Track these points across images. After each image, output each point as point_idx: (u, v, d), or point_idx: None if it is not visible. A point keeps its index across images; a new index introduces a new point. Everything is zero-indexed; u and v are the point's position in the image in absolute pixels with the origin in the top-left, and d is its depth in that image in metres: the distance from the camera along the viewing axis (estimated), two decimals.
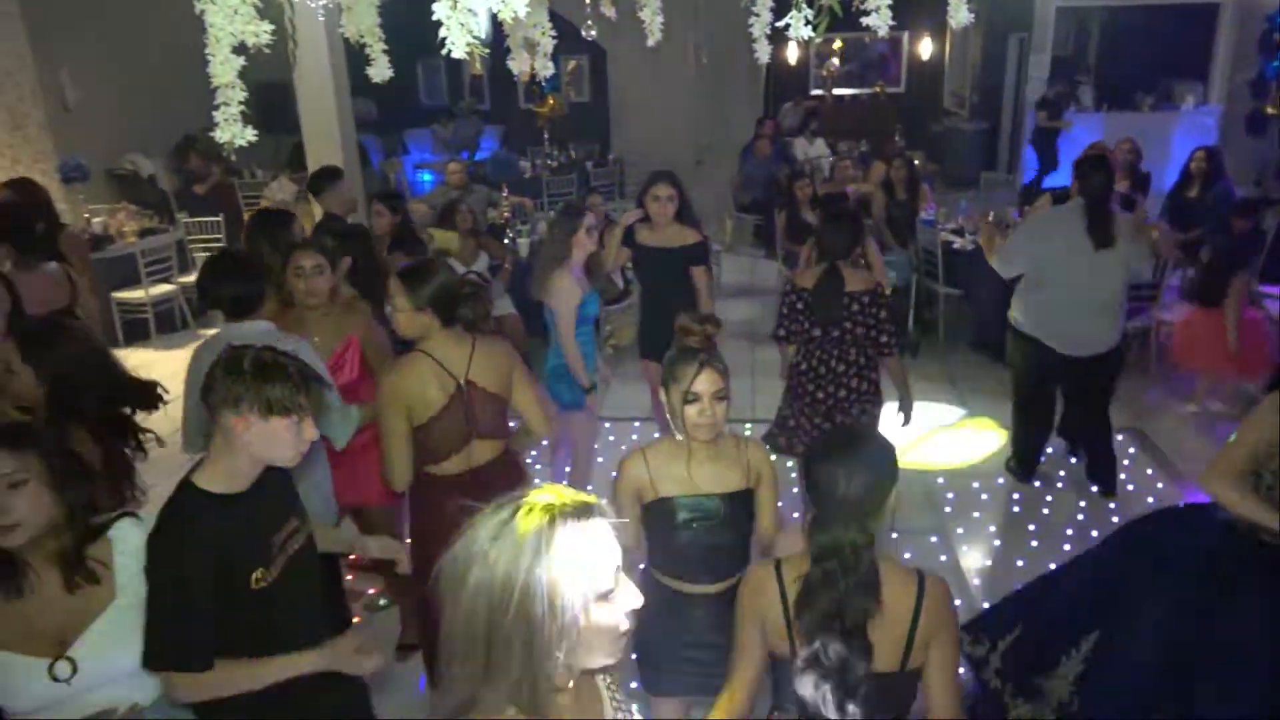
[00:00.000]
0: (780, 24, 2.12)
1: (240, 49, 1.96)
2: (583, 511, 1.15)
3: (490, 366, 2.75)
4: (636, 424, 5.51)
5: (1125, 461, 4.80)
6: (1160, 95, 11.10)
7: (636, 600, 1.18)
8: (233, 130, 1.95)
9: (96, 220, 7.58)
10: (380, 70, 2.83)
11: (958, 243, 6.58)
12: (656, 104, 12.20)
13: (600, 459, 4.72)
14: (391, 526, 3.38)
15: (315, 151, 8.06)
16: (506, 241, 6.55)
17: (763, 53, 2.94)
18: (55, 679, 1.71)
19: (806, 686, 1.67)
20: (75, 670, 1.73)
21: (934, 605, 1.74)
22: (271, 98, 11.66)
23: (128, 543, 1.83)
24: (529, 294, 5.92)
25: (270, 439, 1.76)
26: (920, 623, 1.73)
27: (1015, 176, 11.52)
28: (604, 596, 1.14)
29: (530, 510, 1.13)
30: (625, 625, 1.18)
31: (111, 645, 1.76)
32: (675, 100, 12.14)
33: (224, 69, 1.91)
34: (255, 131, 1.99)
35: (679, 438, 2.24)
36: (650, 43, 3.13)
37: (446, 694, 1.14)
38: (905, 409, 3.84)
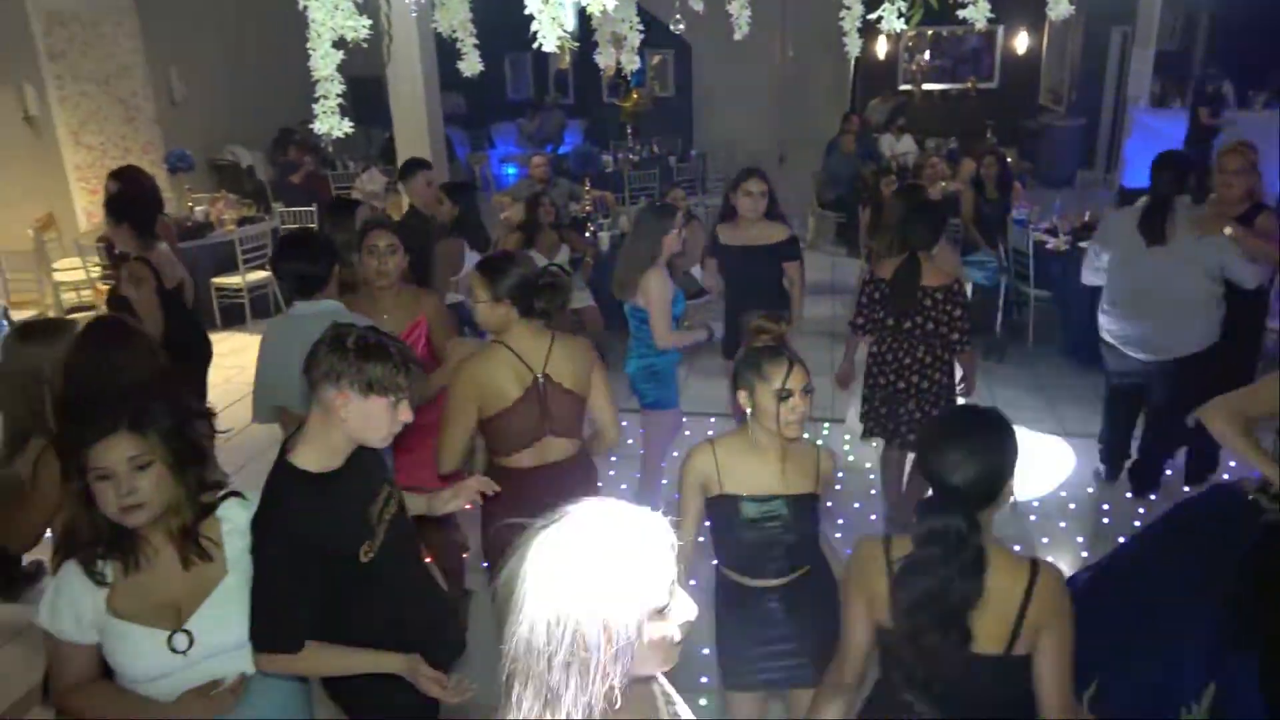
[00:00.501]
0: (872, 17, 2.08)
1: (339, 43, 2.02)
2: (645, 527, 1.14)
3: (569, 363, 2.74)
4: (712, 419, 5.50)
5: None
6: (1272, 93, 10.51)
7: (691, 613, 1.17)
8: (331, 122, 2.01)
9: (199, 208, 7.93)
10: (471, 64, 2.87)
11: (1051, 243, 6.35)
12: (740, 99, 12.14)
13: (675, 453, 4.73)
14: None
15: (405, 144, 8.25)
16: (587, 235, 6.60)
17: (853, 47, 2.88)
18: (174, 650, 1.79)
19: (901, 663, 1.69)
20: (192, 642, 1.80)
21: (1046, 593, 1.70)
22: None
23: (234, 522, 1.89)
24: (609, 288, 5.98)
25: (366, 417, 1.81)
26: (1030, 609, 1.69)
27: (1114, 176, 11.07)
28: (659, 612, 1.13)
29: (583, 531, 1.12)
30: (679, 636, 1.17)
31: (223, 619, 1.83)
32: (759, 95, 12.06)
33: (324, 62, 1.97)
34: (351, 124, 2.05)
35: (758, 436, 2.23)
36: (737, 36, 3.10)
37: (509, 708, 1.13)
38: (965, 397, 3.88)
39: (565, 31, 1.75)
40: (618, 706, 1.12)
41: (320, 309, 2.94)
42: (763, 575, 2.31)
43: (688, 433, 5.32)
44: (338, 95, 2.04)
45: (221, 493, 1.94)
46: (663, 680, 1.35)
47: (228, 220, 7.62)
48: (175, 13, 9.40)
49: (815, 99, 12.79)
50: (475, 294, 2.69)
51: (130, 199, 4.49)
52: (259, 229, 7.63)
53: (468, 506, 2.15)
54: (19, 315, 6.18)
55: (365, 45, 2.16)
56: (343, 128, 2.06)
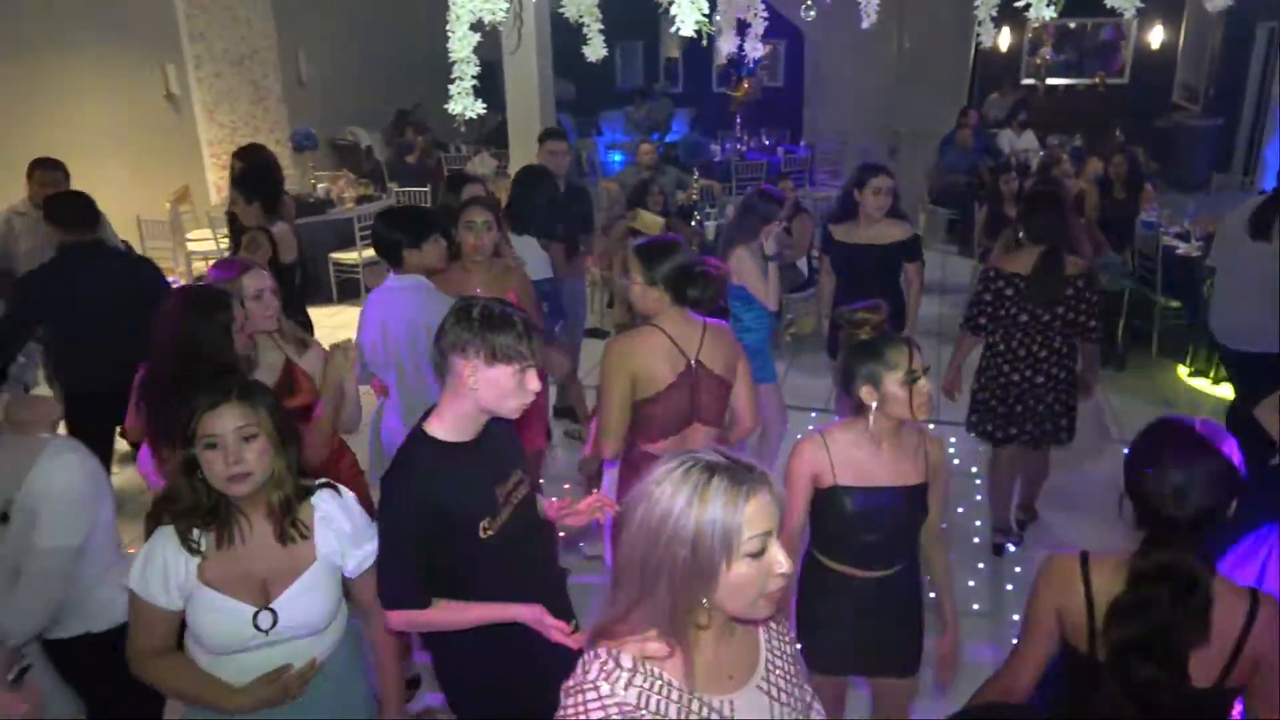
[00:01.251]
0: (1020, 4, 2.00)
1: (476, 26, 2.06)
2: (741, 474, 1.23)
3: (719, 350, 2.75)
4: (813, 414, 5.43)
5: None
6: None
7: (785, 566, 1.25)
8: (464, 103, 2.06)
9: (320, 186, 8.25)
10: (595, 49, 2.89)
11: (1181, 248, 6.02)
12: (852, 90, 11.87)
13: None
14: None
15: (517, 129, 8.38)
16: (693, 223, 6.60)
17: (988, 35, 2.79)
18: (257, 627, 1.82)
19: (1105, 695, 1.61)
20: (275, 621, 1.84)
21: (1266, 628, 1.59)
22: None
23: (326, 511, 1.92)
24: None
25: (494, 386, 1.85)
26: (1248, 643, 1.59)
27: (1254, 179, 10.40)
28: (752, 555, 1.22)
29: (695, 464, 1.24)
30: (771, 586, 1.25)
31: (308, 604, 1.88)
32: (872, 86, 11.76)
33: (462, 44, 2.02)
34: (484, 105, 2.09)
35: (878, 427, 2.20)
36: (865, 24, 3.04)
37: (607, 609, 1.30)
38: (1085, 394, 3.84)
39: (704, 14, 1.74)
40: (707, 628, 1.29)
41: (408, 282, 3.11)
42: (867, 567, 2.29)
43: (788, 426, 5.29)
44: (472, 77, 2.09)
45: (318, 480, 1.97)
46: (779, 634, 1.45)
47: (347, 198, 7.90)
48: None
49: (930, 92, 12.38)
50: (630, 274, 2.71)
51: (258, 177, 4.70)
52: (376, 207, 7.88)
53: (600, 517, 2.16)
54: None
55: (491, 29, 2.20)
56: (476, 109, 2.11)
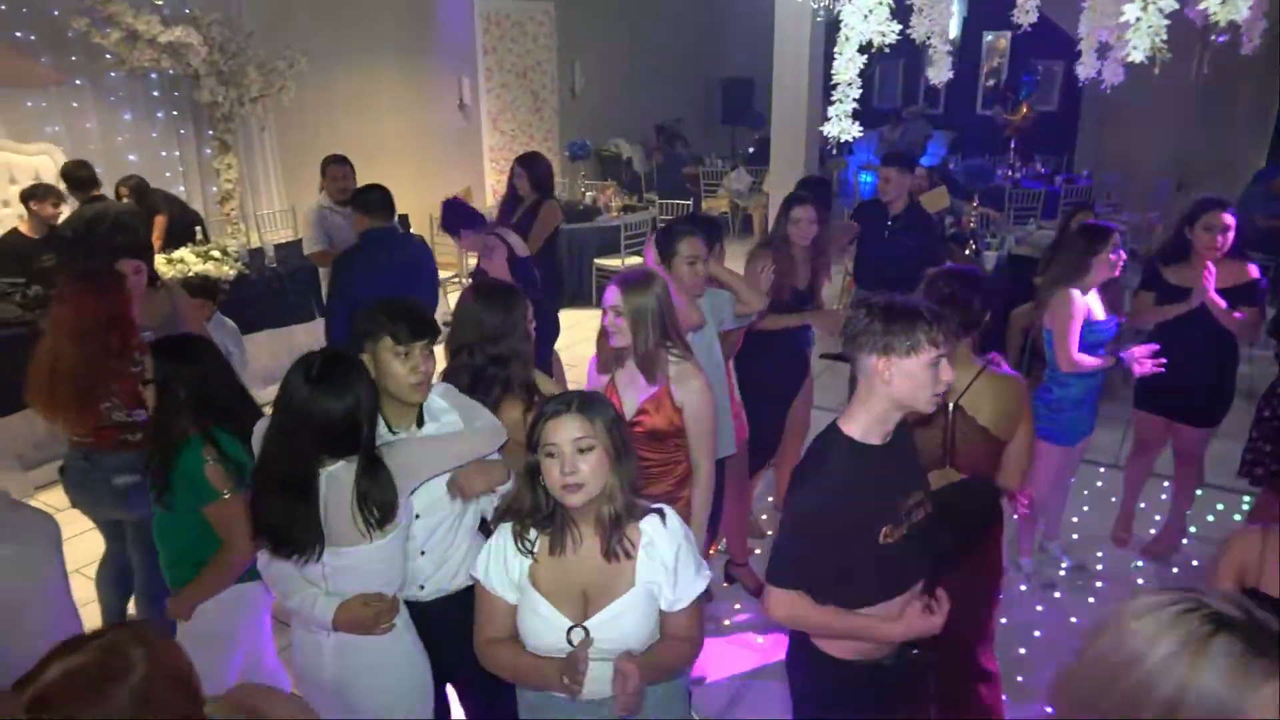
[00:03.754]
0: None
1: (864, 49, 2.04)
2: (1263, 640, 0.98)
3: (992, 401, 2.59)
4: (1102, 469, 5.00)
5: None
6: None
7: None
8: (842, 126, 2.04)
9: (588, 194, 8.64)
10: (940, 71, 2.80)
11: None
12: (1137, 116, 10.91)
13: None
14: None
15: (780, 146, 8.38)
16: (967, 252, 6.28)
17: None
18: (570, 642, 1.84)
19: None
20: (588, 641, 1.85)
21: None
22: (736, 92, 12.48)
23: (651, 538, 1.91)
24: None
25: (909, 377, 1.84)
26: None
27: None
28: None
29: (1195, 608, 1.00)
30: None
31: (622, 626, 1.88)
32: (1160, 114, 10.76)
33: (847, 66, 2.01)
34: (860, 129, 2.06)
35: None
36: (1245, 50, 2.75)
37: None
38: None
39: (1162, 41, 1.62)
40: None
41: None
42: None
43: (1072, 480, 4.91)
44: (853, 100, 2.06)
45: (652, 506, 1.96)
46: None
47: (614, 207, 8.22)
48: (588, 12, 10.31)
49: (1229, 123, 11.18)
50: None
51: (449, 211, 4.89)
52: (640, 217, 8.15)
53: None
54: (442, 275, 7.12)
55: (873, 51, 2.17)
56: (852, 131, 2.08)
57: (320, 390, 1.98)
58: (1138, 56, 1.64)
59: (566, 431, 1.80)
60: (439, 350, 2.31)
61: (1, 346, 4.55)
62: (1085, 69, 2.90)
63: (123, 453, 3.00)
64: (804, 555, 1.93)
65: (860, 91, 2.10)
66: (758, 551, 4.23)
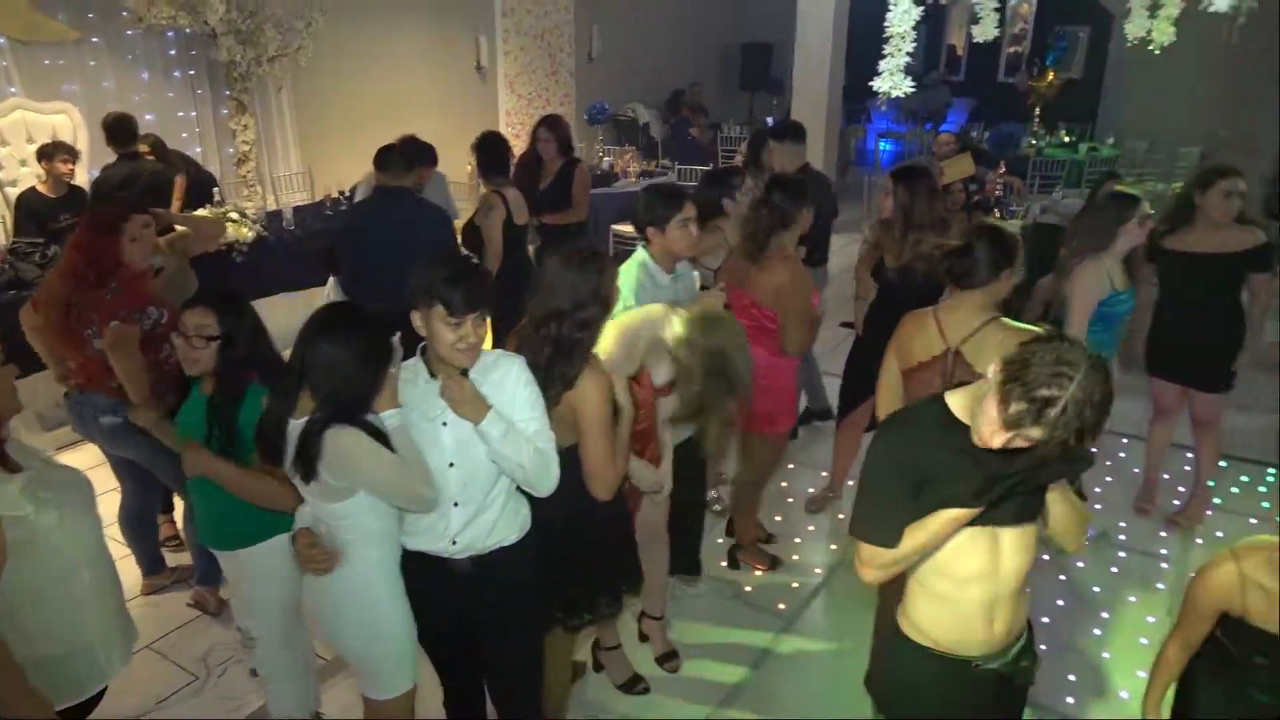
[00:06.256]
0: None
1: (920, 1, 1.97)
2: None
3: (994, 350, 2.52)
4: (1125, 440, 4.96)
5: None
6: None
7: None
8: (894, 80, 1.99)
9: (606, 159, 8.55)
10: (987, 28, 2.73)
11: None
12: (1163, 85, 10.71)
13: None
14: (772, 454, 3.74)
15: (801, 110, 8.27)
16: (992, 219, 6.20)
17: None
18: None
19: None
20: None
21: None
22: (756, 58, 12.28)
23: None
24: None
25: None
26: None
27: None
28: None
29: None
30: None
31: None
32: (1187, 83, 10.57)
33: (903, 19, 1.95)
34: (913, 83, 2.00)
35: None
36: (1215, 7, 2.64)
37: None
38: None
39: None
40: None
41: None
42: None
43: (1093, 449, 4.86)
44: (906, 54, 2.00)
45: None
46: None
47: (631, 172, 8.13)
48: None
49: (1256, 97, 10.96)
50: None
51: (487, 145, 4.88)
52: (658, 182, 8.05)
53: None
54: None
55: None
56: (904, 87, 2.02)
57: (324, 338, 2.07)
58: (1222, 5, 1.57)
59: None
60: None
61: (20, 306, 4.54)
62: (1135, 28, 2.82)
63: (107, 396, 3.21)
64: (878, 510, 1.92)
65: (915, 44, 2.03)
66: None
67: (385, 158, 4.36)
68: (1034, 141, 8.46)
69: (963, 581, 1.93)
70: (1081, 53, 11.86)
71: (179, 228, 4.04)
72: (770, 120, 9.80)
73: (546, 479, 2.25)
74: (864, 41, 2.70)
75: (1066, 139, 8.99)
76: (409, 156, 4.54)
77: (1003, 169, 6.41)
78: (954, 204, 5.49)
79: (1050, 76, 8.18)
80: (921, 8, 2.00)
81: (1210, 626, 2.03)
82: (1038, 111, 8.58)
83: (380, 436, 2.09)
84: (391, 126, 6.31)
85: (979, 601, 1.93)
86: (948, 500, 1.82)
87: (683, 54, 11.65)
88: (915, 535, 1.87)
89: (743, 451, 3.75)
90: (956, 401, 1.86)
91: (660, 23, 11.23)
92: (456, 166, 8.37)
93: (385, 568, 2.26)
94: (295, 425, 2.10)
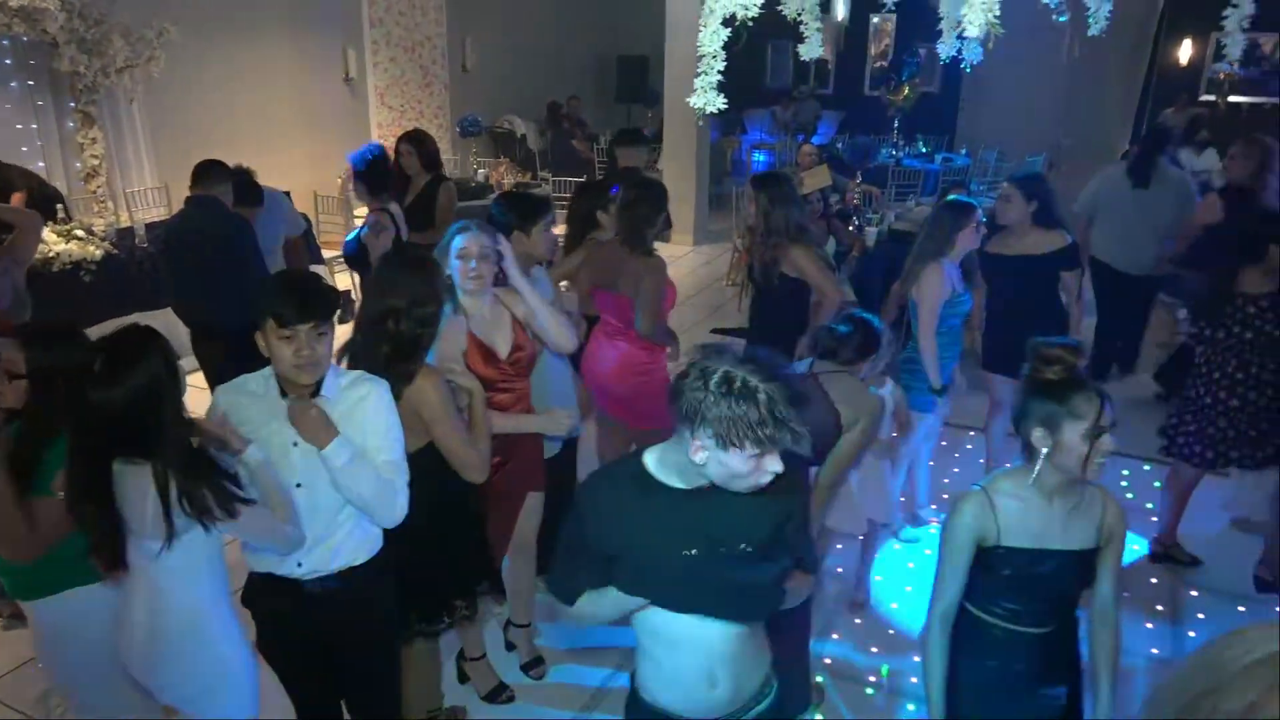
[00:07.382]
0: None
1: (728, 21, 2.08)
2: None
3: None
4: (971, 433, 5.26)
5: None
6: None
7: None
8: (707, 98, 2.09)
9: (480, 171, 8.53)
10: (811, 48, 2.89)
11: None
12: (1013, 98, 11.43)
13: (930, 462, 4.59)
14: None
15: (673, 122, 8.45)
16: (851, 228, 6.48)
17: (1234, 49, 2.65)
18: None
19: None
20: None
21: None
22: (632, 70, 12.46)
23: None
24: (872, 284, 5.83)
25: None
26: None
27: None
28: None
29: None
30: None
31: None
32: (1035, 95, 11.30)
33: (711, 39, 2.06)
34: (724, 100, 2.11)
35: (1046, 479, 2.03)
36: (1092, 31, 2.93)
37: None
38: None
39: (995, 17, 1.71)
40: None
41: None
42: (1021, 623, 2.12)
43: (944, 443, 5.14)
44: (718, 72, 2.11)
45: None
46: None
47: (506, 184, 8.13)
48: None
49: (1099, 105, 11.81)
50: None
51: (376, 165, 4.80)
52: (513, 190, 8.08)
53: None
54: (327, 254, 6.93)
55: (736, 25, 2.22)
56: (716, 104, 2.13)
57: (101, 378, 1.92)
58: (974, 32, 1.73)
59: None
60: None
61: None
62: (946, 48, 3.03)
63: None
64: None
65: (725, 64, 2.14)
66: None
67: (203, 169, 4.44)
68: (894, 153, 8.87)
69: (671, 645, 1.82)
70: (938, 68, 12.50)
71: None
72: (648, 131, 10.00)
73: (391, 512, 2.22)
74: (736, 55, 2.80)
75: (924, 150, 9.46)
76: (238, 189, 4.60)
77: (859, 179, 6.71)
78: (813, 212, 5.74)
79: (905, 90, 8.63)
80: (729, 30, 2.11)
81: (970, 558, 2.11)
82: (896, 124, 9.00)
83: (227, 492, 1.99)
84: (256, 141, 6.15)
85: (692, 667, 1.81)
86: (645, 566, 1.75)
87: (560, 66, 11.72)
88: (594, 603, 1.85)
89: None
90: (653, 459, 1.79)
91: (536, 35, 11.28)
92: (326, 182, 8.21)
93: (218, 607, 2.18)
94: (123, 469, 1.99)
